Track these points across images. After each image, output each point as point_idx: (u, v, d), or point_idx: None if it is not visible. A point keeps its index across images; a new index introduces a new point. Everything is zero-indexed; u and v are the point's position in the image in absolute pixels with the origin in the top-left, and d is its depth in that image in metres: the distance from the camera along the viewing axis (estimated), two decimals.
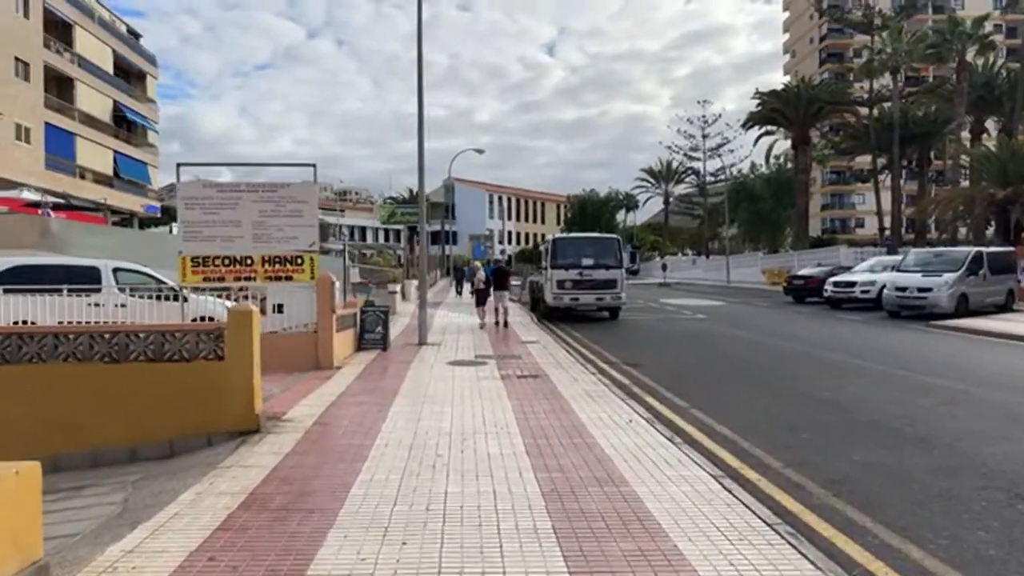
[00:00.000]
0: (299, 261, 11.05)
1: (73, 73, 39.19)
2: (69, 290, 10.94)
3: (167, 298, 11.55)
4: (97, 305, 11.48)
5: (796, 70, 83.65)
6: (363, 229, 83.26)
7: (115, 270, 13.05)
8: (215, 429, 6.76)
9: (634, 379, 10.34)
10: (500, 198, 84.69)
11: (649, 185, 77.56)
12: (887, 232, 45.67)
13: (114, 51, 44.10)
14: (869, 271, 24.50)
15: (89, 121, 40.10)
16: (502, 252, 27.89)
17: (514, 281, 35.43)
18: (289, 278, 11.07)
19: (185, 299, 12.35)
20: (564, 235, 22.11)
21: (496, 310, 18.32)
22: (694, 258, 67.08)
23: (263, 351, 11.10)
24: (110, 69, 43.58)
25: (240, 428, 6.79)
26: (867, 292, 22.80)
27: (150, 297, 11.26)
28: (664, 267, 50.31)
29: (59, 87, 38.64)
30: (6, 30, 33.45)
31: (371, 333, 13.05)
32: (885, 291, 20.55)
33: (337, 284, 11.01)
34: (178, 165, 11.23)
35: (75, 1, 40.31)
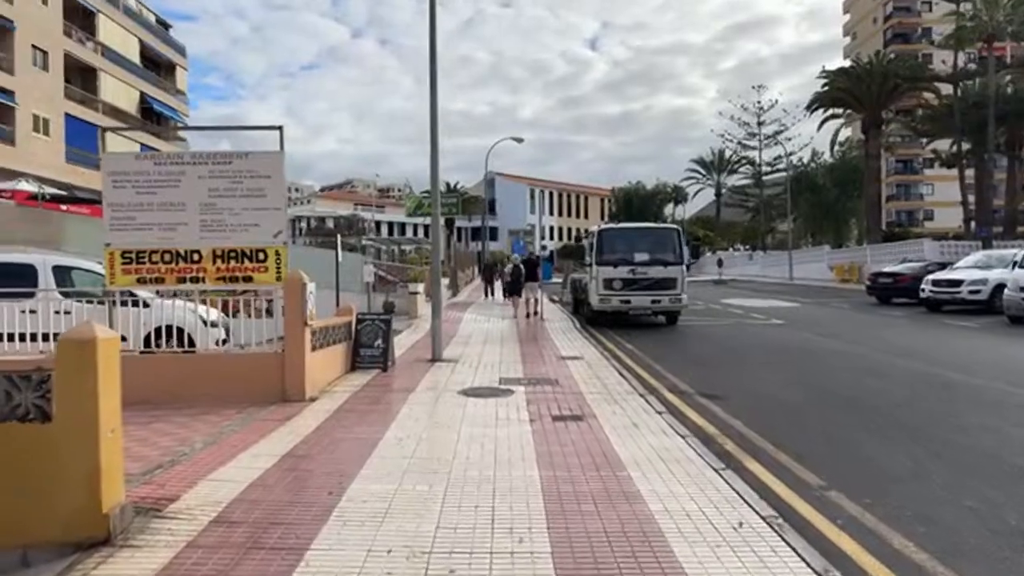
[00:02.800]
0: (261, 256, 8.29)
1: (96, 63, 37.73)
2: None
3: (123, 303, 9.05)
4: (32, 312, 9.01)
5: (857, 53, 78.02)
6: (402, 225, 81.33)
7: (58, 268, 10.59)
8: (34, 538, 4.00)
9: (720, 424, 7.25)
10: (542, 192, 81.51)
11: (700, 176, 73.44)
12: (972, 223, 40.99)
13: (140, 41, 42.65)
14: (975, 267, 20.68)
15: (114, 113, 38.58)
16: (543, 248, 25.27)
17: (555, 279, 32.53)
18: (248, 279, 8.32)
19: (145, 304, 9.83)
20: (612, 225, 18.96)
21: (527, 301, 18.71)
22: (750, 253, 62.79)
23: (207, 377, 8.39)
24: (136, 59, 42.15)
25: (75, 537, 4.02)
26: (976, 293, 19.12)
27: (100, 302, 8.69)
28: (720, 263, 46.54)
29: (82, 77, 37.21)
30: (24, 17, 31.97)
31: (368, 348, 10.25)
32: (1007, 292, 16.86)
33: (311, 287, 8.21)
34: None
35: None
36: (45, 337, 8.71)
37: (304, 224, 68.60)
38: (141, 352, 8.62)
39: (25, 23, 32.02)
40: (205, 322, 10.19)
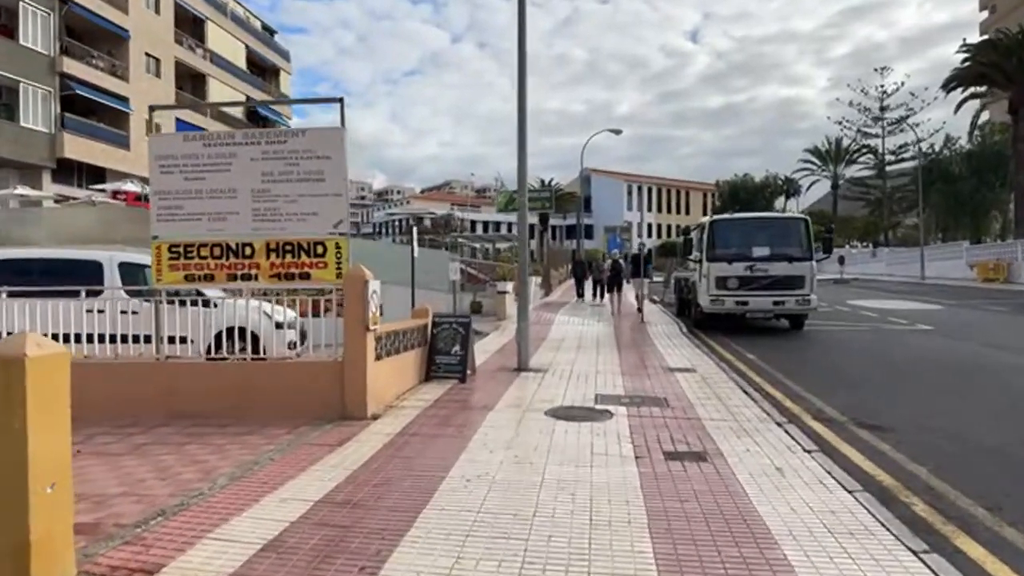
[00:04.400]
0: (319, 250, 7.15)
1: (205, 69, 39.09)
2: (55, 292, 7.91)
3: (193, 303, 8.25)
4: (100, 312, 8.34)
5: (996, 29, 69.97)
6: (497, 224, 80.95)
7: (126, 265, 10.00)
8: None
9: (897, 472, 5.37)
10: (639, 188, 78.66)
11: (814, 167, 68.19)
12: None
13: (247, 47, 43.98)
14: None
15: (221, 117, 39.88)
16: (641, 246, 23.56)
17: (656, 277, 30.42)
18: (305, 275, 7.20)
19: (215, 304, 9.04)
20: (727, 216, 16.87)
21: (637, 297, 18.47)
22: (872, 250, 57.50)
23: (261, 388, 6.87)
24: (243, 65, 43.49)
25: None
26: None
27: (170, 302, 7.90)
28: (841, 260, 42.57)
29: (192, 83, 38.63)
30: (137, 26, 33.38)
31: (445, 356, 8.96)
32: None
33: (375, 285, 6.97)
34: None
35: None
36: (112, 339, 8.01)
37: (400, 223, 69.38)
38: (208, 358, 7.70)
39: (139, 32, 33.42)
40: (278, 324, 9.30)
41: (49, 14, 27.96)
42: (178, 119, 36.64)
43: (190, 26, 38.49)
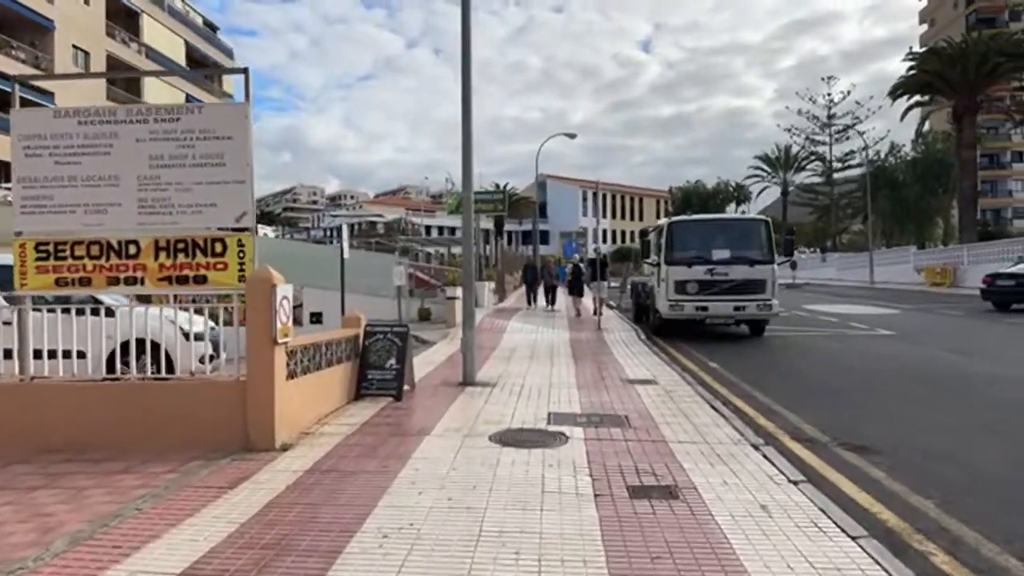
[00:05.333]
0: (218, 249, 6.01)
1: (135, 61, 36.97)
2: None
3: (93, 312, 7.00)
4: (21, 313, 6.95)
5: (936, 41, 72.33)
6: (452, 229, 79.80)
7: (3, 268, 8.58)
8: None
9: (901, 508, 4.54)
10: (595, 194, 78.45)
11: (764, 174, 69.10)
12: None
13: (187, 42, 41.93)
14: None
15: None
16: (596, 251, 22.84)
17: (612, 283, 29.79)
18: (201, 280, 6.05)
19: (110, 313, 7.82)
20: (685, 217, 16.11)
21: (594, 300, 17.99)
22: (822, 256, 58.36)
23: (150, 413, 5.59)
24: (182, 61, 41.42)
25: None
26: None
27: (65, 310, 6.56)
28: (793, 265, 42.83)
29: (125, 80, 36.48)
30: (63, 16, 31.26)
31: (378, 370, 7.89)
32: None
33: (284, 291, 5.86)
34: (13, 79, 6.49)
35: None
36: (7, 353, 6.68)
37: (353, 227, 67.59)
38: (103, 378, 6.42)
39: (66, 23, 31.30)
40: (187, 334, 8.06)
41: None
42: None
43: (123, 19, 36.38)
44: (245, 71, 6.08)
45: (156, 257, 6.00)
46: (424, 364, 10.56)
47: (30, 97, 28.81)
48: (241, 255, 5.97)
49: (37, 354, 6.15)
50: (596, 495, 4.54)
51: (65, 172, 6.01)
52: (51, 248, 6.04)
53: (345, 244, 11.79)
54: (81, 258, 6.03)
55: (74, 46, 32.21)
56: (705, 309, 13.49)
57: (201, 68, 43.96)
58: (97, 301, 7.99)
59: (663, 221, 14.82)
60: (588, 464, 5.24)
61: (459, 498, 4.50)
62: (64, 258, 6.03)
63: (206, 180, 5.98)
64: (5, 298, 7.14)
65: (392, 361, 7.89)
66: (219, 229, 6.02)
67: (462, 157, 9.23)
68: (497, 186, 53.02)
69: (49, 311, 6.37)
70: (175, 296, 6.54)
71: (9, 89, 6.12)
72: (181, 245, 6.00)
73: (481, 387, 8.61)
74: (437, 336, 14.69)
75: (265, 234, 45.95)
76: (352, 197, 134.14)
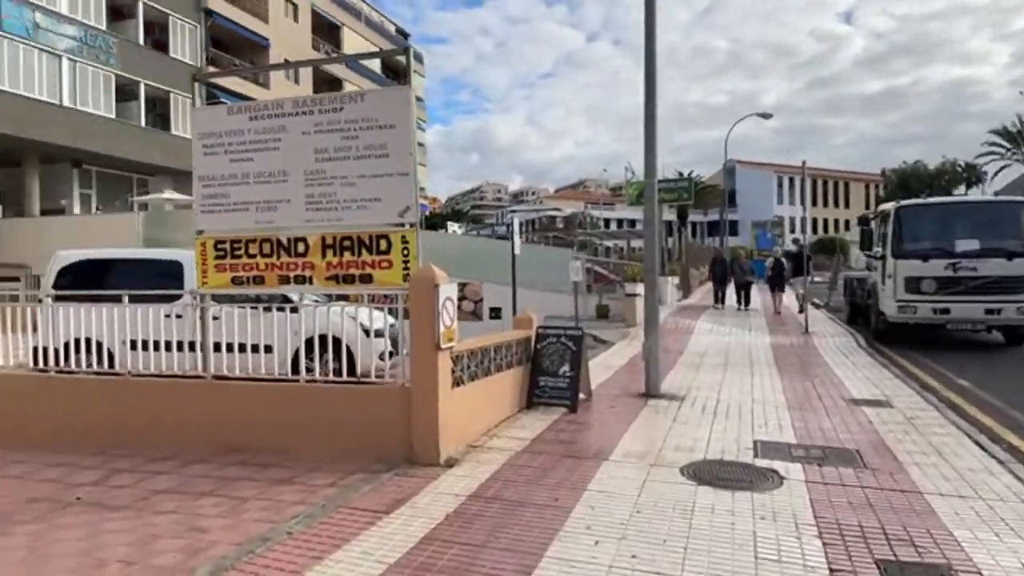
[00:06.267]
0: (382, 246, 5.60)
1: (340, 74, 39.97)
2: (132, 297, 6.98)
3: (279, 309, 7.11)
4: (177, 317, 7.37)
5: None
6: (632, 221, 77.98)
7: None
8: None
9: None
10: (791, 180, 72.26)
11: (1002, 151, 58.91)
12: None
13: (381, 50, 44.63)
14: None
15: None
16: (796, 242, 20.59)
17: (817, 278, 26.69)
18: (367, 279, 5.68)
19: (294, 309, 7.88)
20: (919, 201, 13.50)
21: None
22: None
23: (316, 418, 5.27)
24: (377, 68, 44.19)
25: None
26: None
27: (254, 307, 6.73)
28: None
29: (329, 87, 39.62)
30: (278, 35, 34.56)
31: (551, 377, 7.15)
32: None
33: (448, 290, 5.30)
34: (194, 78, 6.57)
35: (343, 3, 41.31)
36: (191, 347, 6.98)
37: (533, 222, 68.48)
38: (275, 378, 6.39)
39: (278, 40, 34.56)
40: (367, 331, 7.94)
41: (196, 26, 29.40)
42: None
43: (326, 32, 39.54)
44: (406, 51, 5.63)
45: (323, 255, 5.74)
46: (601, 368, 9.69)
47: None
48: (406, 252, 5.51)
49: (229, 348, 6.20)
50: (833, 572, 3.37)
51: (239, 169, 5.95)
52: (228, 246, 6.02)
53: (516, 239, 11.25)
54: (254, 256, 5.94)
55: (286, 60, 35.51)
56: (946, 312, 11.13)
57: (395, 75, 46.67)
58: (286, 299, 8.13)
59: (889, 206, 12.52)
60: (815, 520, 4.04)
61: (645, 556, 3.57)
62: (239, 256, 5.98)
63: (370, 173, 5.59)
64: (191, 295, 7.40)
65: (566, 368, 7.11)
66: (382, 225, 5.60)
67: (644, 140, 8.18)
68: (680, 174, 50.54)
69: (241, 308, 6.43)
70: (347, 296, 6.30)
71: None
72: (347, 242, 5.67)
73: (667, 400, 7.55)
74: (615, 336, 13.73)
75: (454, 230, 47.90)
76: (533, 193, 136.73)
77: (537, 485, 4.76)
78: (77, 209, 24.99)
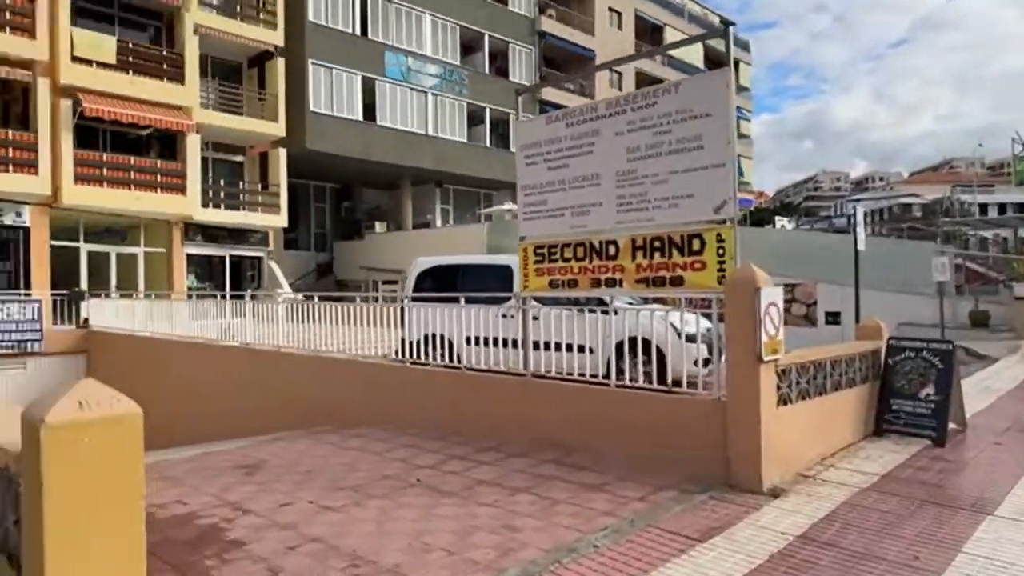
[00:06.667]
0: (695, 246, 5.18)
1: (661, 73, 39.89)
2: (471, 299, 7.96)
3: (591, 311, 7.44)
4: (504, 317, 8.18)
5: None
6: (1020, 206, 63.11)
7: None
8: None
9: None
10: None
11: None
12: None
13: (704, 44, 43.41)
14: None
15: None
16: None
17: None
18: (678, 281, 5.32)
19: (613, 311, 8.07)
20: None
21: None
22: None
23: (622, 424, 5.39)
24: (700, 63, 43.07)
25: None
26: None
27: (580, 309, 7.17)
28: None
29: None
30: (603, 44, 35.95)
31: (908, 400, 5.90)
32: None
33: (771, 294, 4.64)
34: (517, 93, 6.86)
35: (664, 2, 41.19)
36: (516, 344, 7.56)
37: (882, 212, 59.86)
38: (587, 381, 6.51)
39: (603, 50, 35.90)
40: (680, 334, 7.65)
41: (531, 49, 32.14)
42: None
43: (649, 35, 39.83)
44: (725, 31, 5.15)
45: (633, 257, 5.56)
46: (978, 392, 7.79)
47: None
48: (721, 252, 5.02)
49: (548, 347, 6.45)
50: None
51: (556, 176, 6.10)
52: (545, 251, 6.22)
53: (860, 232, 9.60)
54: (568, 260, 6.03)
55: (611, 69, 36.70)
56: None
57: (717, 66, 45.01)
58: (602, 301, 8.21)
59: None
60: None
61: None
62: (555, 260, 6.13)
63: (683, 168, 5.22)
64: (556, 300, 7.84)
65: (929, 390, 5.79)
66: (697, 223, 5.19)
67: None
68: None
69: (568, 310, 6.66)
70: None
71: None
72: (657, 243, 5.40)
73: None
74: (999, 349, 11.01)
75: (783, 225, 44.33)
76: (881, 179, 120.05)
77: (888, 535, 3.88)
78: (439, 222, 29.22)
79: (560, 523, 4.20)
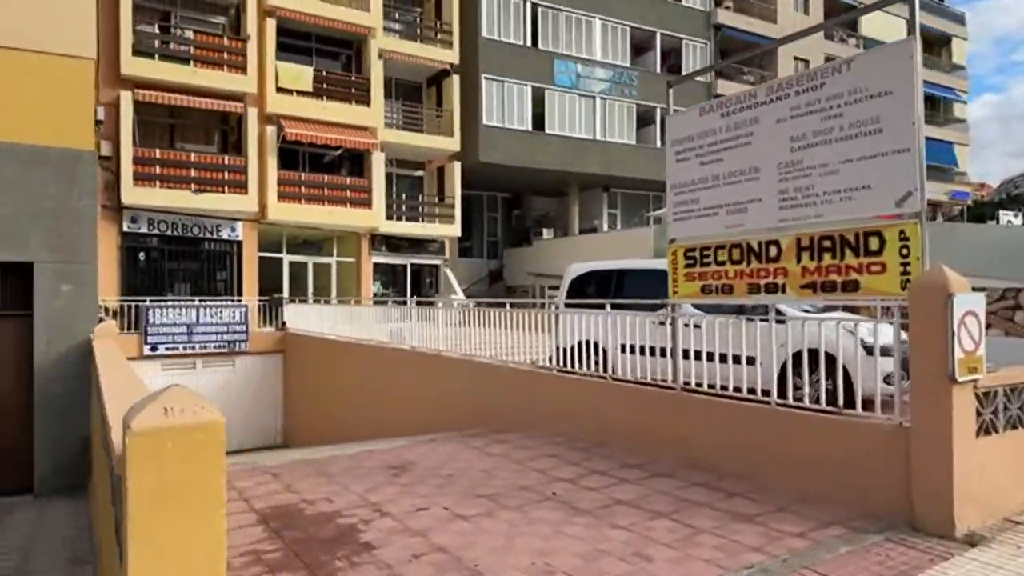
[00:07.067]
0: (872, 245, 4.46)
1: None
2: (624, 305, 7.77)
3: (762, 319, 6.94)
4: (661, 324, 7.85)
5: None
6: None
7: (637, 272, 9.27)
8: None
9: None
10: None
11: None
12: None
13: (907, 21, 38.75)
14: None
15: None
16: None
17: None
18: (852, 286, 4.61)
19: (780, 320, 7.44)
20: None
21: None
22: None
23: (783, 450, 4.88)
24: None
25: None
26: None
27: (749, 318, 6.73)
28: None
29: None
30: (787, 32, 33.46)
31: None
32: None
33: (969, 302, 3.83)
34: (668, 84, 6.37)
35: None
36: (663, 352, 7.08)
37: None
38: (742, 397, 5.92)
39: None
40: (868, 348, 6.74)
41: (706, 44, 30.72)
42: None
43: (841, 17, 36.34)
44: None
45: (798, 259, 4.92)
46: None
47: None
48: (904, 252, 4.26)
49: (709, 357, 5.94)
50: None
51: (709, 172, 5.60)
52: (697, 254, 5.74)
53: None
54: (723, 263, 5.50)
55: (795, 58, 34.01)
56: None
57: (927, 46, 39.93)
58: (767, 307, 7.47)
59: None
60: None
61: None
62: (708, 264, 5.63)
63: (857, 155, 4.52)
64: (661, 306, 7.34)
65: None
66: (875, 219, 4.47)
67: None
68: None
69: (737, 318, 6.11)
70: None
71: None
72: (826, 243, 4.73)
73: None
74: None
75: (1008, 220, 38.18)
76: None
77: None
78: (605, 227, 28.88)
79: (699, 556, 3.78)
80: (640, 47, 29.36)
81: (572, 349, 7.56)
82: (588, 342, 7.50)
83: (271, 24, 18.50)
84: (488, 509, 4.66)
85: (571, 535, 4.13)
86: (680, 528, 4.21)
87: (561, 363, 7.51)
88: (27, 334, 9.50)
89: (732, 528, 4.18)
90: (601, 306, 7.29)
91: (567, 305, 8.64)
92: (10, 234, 9.32)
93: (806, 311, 7.45)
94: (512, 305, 8.68)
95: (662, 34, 29.21)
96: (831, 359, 5.57)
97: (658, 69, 29.35)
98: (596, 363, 7.21)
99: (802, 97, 4.89)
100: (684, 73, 29.80)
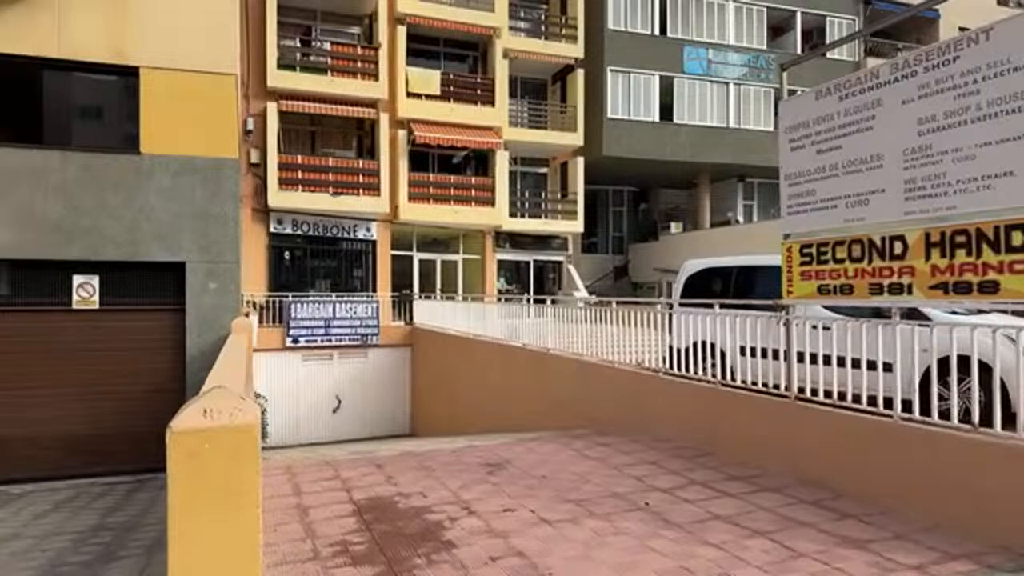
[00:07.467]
0: (1015, 240, 3.85)
1: None
2: (743, 304, 7.44)
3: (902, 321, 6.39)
4: (786, 324, 7.41)
5: None
6: None
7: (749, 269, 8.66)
8: None
9: None
10: None
11: None
12: None
13: None
14: None
15: None
16: None
17: None
18: (990, 287, 4.01)
19: (924, 321, 6.79)
20: None
21: None
22: None
23: (940, 477, 4.28)
24: None
25: None
26: None
27: (887, 321, 6.25)
28: None
29: None
30: (951, 5, 30.04)
31: None
32: None
33: None
34: (782, 67, 5.83)
35: None
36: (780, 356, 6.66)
37: None
38: (870, 409, 5.36)
39: (949, 9, 29.96)
40: None
41: (853, 20, 28.29)
42: None
43: None
44: None
45: (927, 256, 4.35)
46: None
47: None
48: None
49: (840, 363, 5.43)
50: None
51: (826, 161, 5.11)
52: (813, 251, 5.26)
53: None
54: (842, 261, 5.00)
55: (960, 28, 30.43)
56: None
57: None
58: (913, 311, 6.71)
59: None
60: None
61: None
62: (825, 262, 5.14)
63: (997, 138, 3.92)
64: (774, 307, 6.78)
65: None
66: (1011, 210, 3.86)
67: None
68: None
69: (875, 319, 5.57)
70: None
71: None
72: (960, 238, 4.14)
73: None
74: None
75: None
76: None
77: None
78: (741, 219, 27.44)
79: None
80: (778, 28, 27.60)
81: (687, 350, 7.22)
82: (704, 343, 7.13)
83: (401, 31, 19.29)
84: (574, 515, 4.55)
85: (656, 549, 3.93)
86: (777, 550, 3.88)
87: (671, 365, 7.19)
88: (182, 325, 10.59)
89: (837, 554, 3.78)
90: (710, 305, 6.90)
91: (681, 304, 8.26)
92: (168, 237, 10.43)
93: (955, 312, 6.65)
94: (619, 303, 8.45)
95: (803, 13, 27.26)
96: (984, 369, 4.89)
97: (799, 50, 27.43)
98: (713, 365, 6.83)
99: (932, 74, 4.31)
100: (828, 52, 27.66)
